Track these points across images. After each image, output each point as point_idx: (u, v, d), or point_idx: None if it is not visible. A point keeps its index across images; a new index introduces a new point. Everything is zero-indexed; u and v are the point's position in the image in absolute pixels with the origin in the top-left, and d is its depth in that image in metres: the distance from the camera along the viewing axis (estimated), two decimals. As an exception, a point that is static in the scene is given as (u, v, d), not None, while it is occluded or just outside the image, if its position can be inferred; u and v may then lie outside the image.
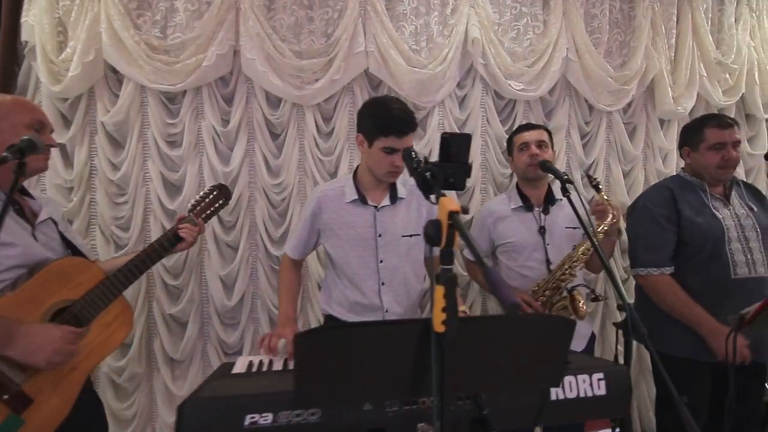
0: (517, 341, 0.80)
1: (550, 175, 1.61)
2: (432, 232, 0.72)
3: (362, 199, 1.46)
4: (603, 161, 2.30)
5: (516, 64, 2.11)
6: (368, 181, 1.47)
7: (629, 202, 2.25)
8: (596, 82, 2.18)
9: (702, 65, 2.33)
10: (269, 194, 2.01)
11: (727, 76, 2.37)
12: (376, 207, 1.45)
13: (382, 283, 1.45)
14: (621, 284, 1.59)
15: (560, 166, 2.24)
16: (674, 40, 2.32)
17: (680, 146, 1.76)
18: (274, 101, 2.02)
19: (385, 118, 1.36)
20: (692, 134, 1.71)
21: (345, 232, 1.45)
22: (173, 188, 1.97)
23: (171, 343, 1.96)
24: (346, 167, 2.06)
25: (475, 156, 2.15)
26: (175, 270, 1.95)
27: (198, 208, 1.49)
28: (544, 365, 0.83)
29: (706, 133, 1.66)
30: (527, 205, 1.71)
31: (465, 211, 0.77)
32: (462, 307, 1.46)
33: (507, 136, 1.87)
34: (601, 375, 0.96)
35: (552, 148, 1.74)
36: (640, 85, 2.27)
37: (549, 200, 1.72)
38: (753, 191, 1.73)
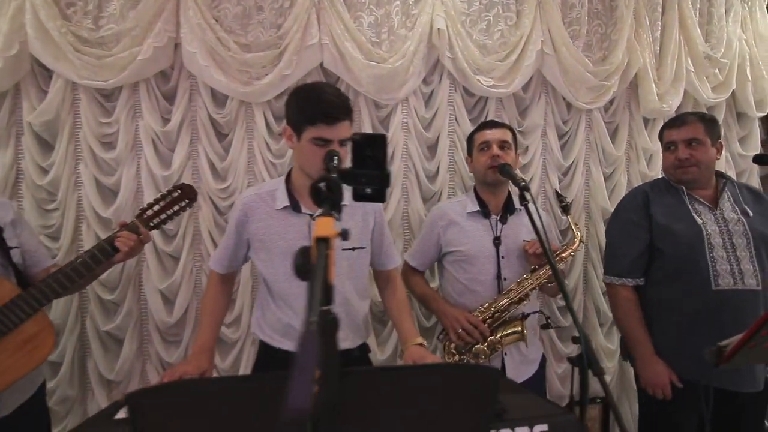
0: (424, 398, 0.63)
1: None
2: (299, 263, 0.56)
3: (295, 206, 1.27)
4: (582, 163, 2.13)
5: (486, 58, 1.94)
6: (302, 184, 1.27)
7: (610, 208, 2.10)
8: (574, 77, 2.01)
9: (689, 60, 2.16)
10: (215, 200, 1.84)
11: (717, 71, 2.20)
12: (311, 215, 1.26)
13: None
14: (577, 314, 1.42)
15: (536, 168, 2.08)
16: (659, 32, 2.15)
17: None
18: (220, 98, 1.85)
19: (311, 103, 1.17)
20: (661, 136, 1.63)
21: (275, 244, 1.26)
22: (108, 194, 1.80)
23: (106, 363, 1.79)
24: (299, 170, 1.89)
25: (443, 157, 1.98)
26: (110, 283, 1.78)
27: (148, 213, 1.33)
28: (464, 423, 0.67)
29: (664, 134, 1.59)
30: (484, 212, 1.54)
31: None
32: (418, 339, 1.30)
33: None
34: (545, 427, 0.79)
35: (516, 150, 1.57)
36: (622, 81, 2.10)
37: (508, 208, 1.56)
38: (754, 195, 1.56)
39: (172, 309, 1.82)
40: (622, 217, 1.56)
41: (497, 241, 1.50)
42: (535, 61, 1.97)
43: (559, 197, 1.53)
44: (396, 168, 1.95)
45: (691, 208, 1.48)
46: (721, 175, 1.56)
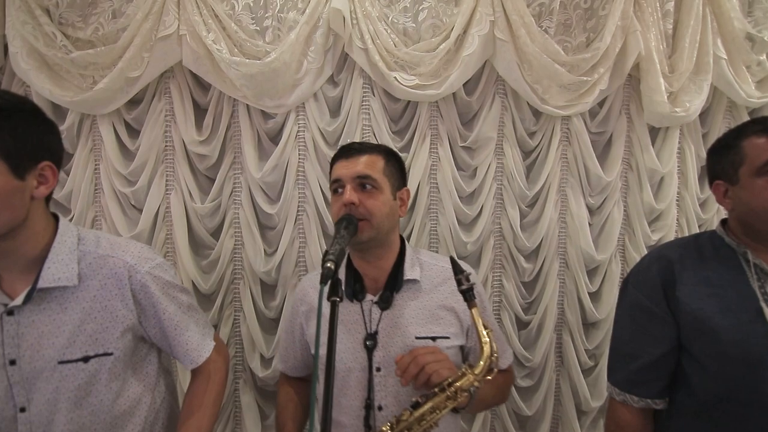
0: None
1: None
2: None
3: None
4: (556, 190, 1.53)
5: (406, 49, 1.40)
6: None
7: (598, 256, 1.49)
8: (540, 72, 1.42)
9: (720, 42, 1.50)
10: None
11: (764, 57, 1.52)
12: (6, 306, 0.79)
13: None
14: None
15: (485, 198, 1.50)
16: (672, 3, 1.50)
17: (711, 181, 0.96)
18: (63, 109, 1.44)
19: None
20: (725, 155, 0.91)
21: None
22: None
23: None
24: (156, 202, 1.44)
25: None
26: None
27: None
28: None
29: (746, 147, 0.87)
30: (354, 289, 0.99)
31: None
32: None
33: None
34: None
35: (402, 184, 1.04)
36: (615, 75, 1.48)
37: (393, 282, 1.00)
38: None
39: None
40: (633, 299, 0.96)
41: (371, 342, 0.95)
42: (480, 49, 1.40)
43: (458, 273, 0.91)
44: (288, 198, 1.46)
45: (759, 292, 0.86)
46: None
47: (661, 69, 1.46)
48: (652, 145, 1.54)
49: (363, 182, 0.96)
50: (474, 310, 0.89)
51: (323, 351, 0.68)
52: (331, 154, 1.40)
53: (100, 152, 1.45)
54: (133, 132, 1.46)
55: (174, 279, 0.89)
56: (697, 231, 1.58)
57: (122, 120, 1.45)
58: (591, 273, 1.56)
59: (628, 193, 1.57)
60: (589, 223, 1.54)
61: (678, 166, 1.57)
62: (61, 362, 0.78)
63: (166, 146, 1.46)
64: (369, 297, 0.99)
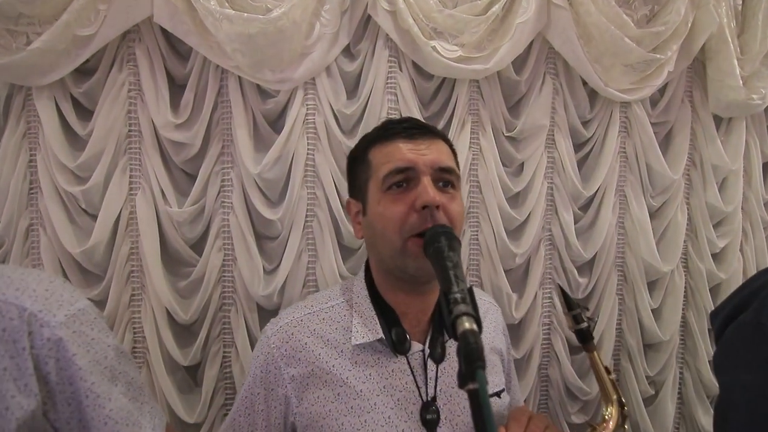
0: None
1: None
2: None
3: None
4: (614, 191, 1.29)
5: (448, 11, 1.12)
6: None
7: (662, 266, 1.26)
8: (604, 47, 1.17)
9: (792, 21, 1.32)
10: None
11: (837, 41, 1.36)
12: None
13: None
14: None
15: (535, 199, 1.24)
16: (743, -25, 1.31)
17: None
18: (-17, 79, 1.06)
19: None
20: None
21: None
22: None
23: None
24: (117, 205, 1.08)
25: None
26: None
27: None
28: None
29: None
30: (397, 337, 0.69)
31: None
32: None
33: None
34: None
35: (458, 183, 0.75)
36: (683, 55, 1.27)
37: (440, 321, 0.71)
38: None
39: None
40: None
41: (431, 416, 0.65)
42: (535, 16, 1.14)
43: (571, 306, 0.69)
44: (295, 199, 1.14)
45: None
46: None
47: (734, 51, 1.26)
48: (719, 137, 1.34)
49: (445, 178, 0.67)
50: (594, 354, 0.66)
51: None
52: (349, 143, 1.14)
53: (37, 138, 1.07)
54: (84, 112, 1.09)
55: (106, 336, 0.56)
56: (763, 237, 1.40)
57: (68, 95, 1.07)
58: (651, 286, 1.34)
59: (692, 194, 1.36)
60: (649, 229, 1.32)
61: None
62: None
63: (130, 131, 1.10)
64: (416, 347, 0.69)
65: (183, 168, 1.15)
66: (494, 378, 0.73)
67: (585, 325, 0.67)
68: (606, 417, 0.68)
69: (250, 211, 1.15)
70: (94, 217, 1.08)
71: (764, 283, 0.72)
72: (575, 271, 1.28)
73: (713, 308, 0.80)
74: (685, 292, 1.34)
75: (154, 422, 0.59)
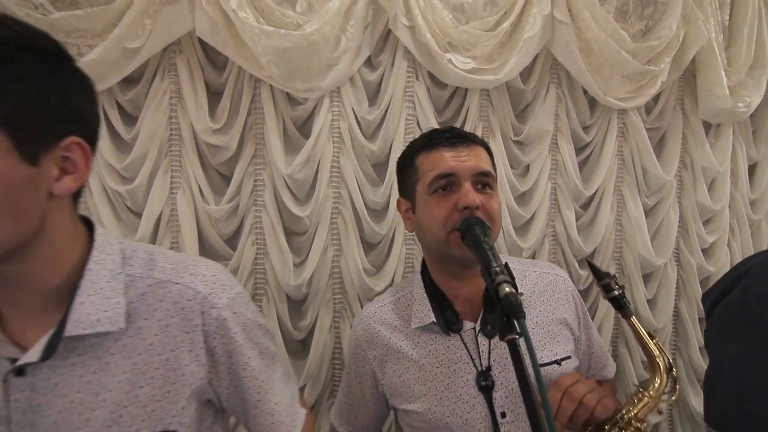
0: None
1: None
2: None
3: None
4: (612, 191, 1.41)
5: (462, 27, 1.23)
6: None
7: (656, 260, 1.37)
8: (603, 59, 1.29)
9: (774, 36, 1.44)
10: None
11: (815, 53, 1.48)
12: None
13: None
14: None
15: (540, 198, 1.35)
16: (730, -7, 1.43)
17: None
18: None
19: None
20: None
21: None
22: None
23: None
24: (159, 203, 1.18)
25: (395, 183, 1.26)
26: None
27: None
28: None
29: None
30: (447, 319, 0.80)
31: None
32: None
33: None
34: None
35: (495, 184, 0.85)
36: (675, 66, 1.38)
37: (492, 300, 0.82)
38: None
39: None
40: None
41: (486, 382, 0.75)
42: (540, 32, 1.25)
43: (600, 277, 0.79)
44: (321, 198, 1.24)
45: None
46: None
47: (722, 63, 1.38)
48: (707, 141, 1.45)
49: (483, 180, 0.77)
50: (633, 320, 0.76)
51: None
52: (369, 146, 1.24)
53: (86, 141, 1.16)
54: (129, 118, 1.19)
55: (257, 316, 0.65)
56: (749, 233, 1.52)
57: (114, 102, 1.17)
58: (646, 279, 1.45)
59: (683, 193, 1.48)
60: (644, 226, 1.43)
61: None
62: None
63: (171, 135, 1.19)
64: (468, 325, 0.80)
65: (219, 169, 1.25)
66: (555, 347, 0.80)
67: (616, 292, 0.76)
68: (654, 383, 0.74)
69: (281, 209, 1.25)
70: (138, 215, 1.18)
71: (749, 267, 0.83)
72: (576, 265, 1.40)
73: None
74: (677, 283, 1.46)
75: (291, 392, 0.70)
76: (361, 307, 1.19)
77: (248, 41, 1.12)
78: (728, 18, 1.44)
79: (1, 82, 0.43)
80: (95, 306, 0.52)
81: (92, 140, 0.52)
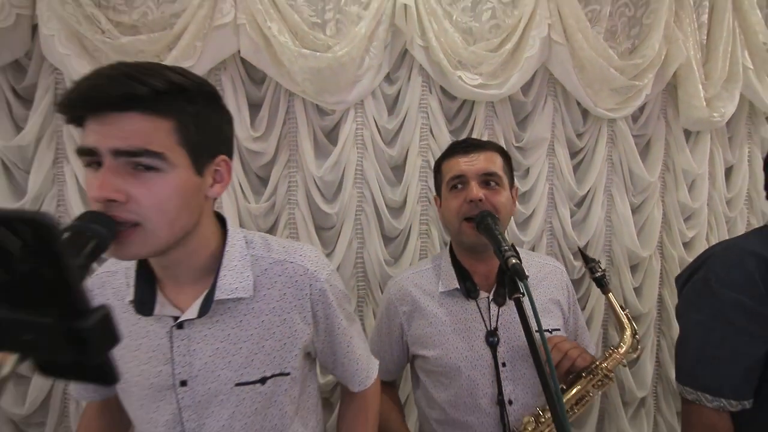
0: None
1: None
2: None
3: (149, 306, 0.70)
4: (603, 191, 1.58)
5: (471, 48, 1.40)
6: None
7: (642, 252, 1.55)
8: (594, 75, 1.46)
9: (747, 53, 1.62)
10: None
11: (783, 68, 1.66)
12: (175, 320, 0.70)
13: None
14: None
15: (539, 199, 1.53)
16: (706, 16, 1.60)
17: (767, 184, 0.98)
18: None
19: None
20: None
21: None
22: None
23: None
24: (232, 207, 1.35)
25: (412, 183, 1.44)
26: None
27: None
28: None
29: None
30: (467, 288, 0.98)
31: None
32: None
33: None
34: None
35: (512, 183, 1.03)
36: (658, 80, 1.56)
37: (504, 278, 0.99)
38: None
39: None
40: (727, 299, 0.89)
41: (493, 339, 0.94)
42: (539, 51, 1.43)
43: (587, 261, 1.00)
44: (347, 197, 1.41)
45: None
46: None
47: (699, 77, 1.56)
48: (687, 146, 1.63)
49: (488, 179, 0.95)
50: (610, 296, 0.96)
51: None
52: (389, 152, 1.42)
53: (144, 148, 1.34)
54: (181, 127, 1.36)
55: (344, 287, 0.82)
56: (725, 228, 1.69)
57: (168, 113, 1.34)
58: (632, 269, 1.63)
59: (666, 193, 1.65)
60: (631, 222, 1.61)
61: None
62: (239, 384, 0.69)
63: (217, 142, 1.37)
64: (483, 294, 0.98)
65: (257, 172, 1.42)
66: (549, 320, 0.98)
67: (600, 273, 0.97)
68: (621, 344, 0.95)
69: (311, 207, 1.42)
70: (189, 212, 1.35)
71: (713, 252, 1.00)
72: (571, 256, 1.57)
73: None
74: (660, 273, 1.64)
75: (366, 345, 0.87)
76: (382, 293, 1.36)
77: (286, 62, 1.29)
78: (706, 37, 1.61)
79: (188, 117, 0.60)
80: (233, 278, 0.69)
81: (231, 156, 0.70)
